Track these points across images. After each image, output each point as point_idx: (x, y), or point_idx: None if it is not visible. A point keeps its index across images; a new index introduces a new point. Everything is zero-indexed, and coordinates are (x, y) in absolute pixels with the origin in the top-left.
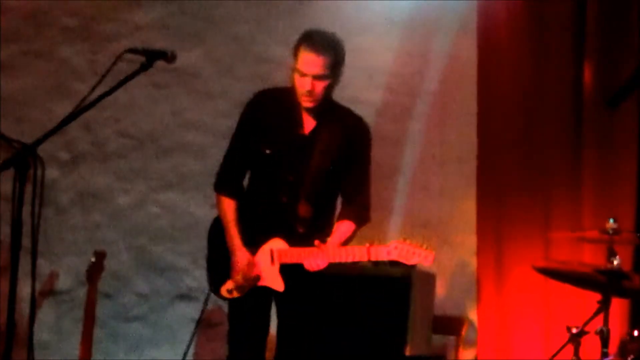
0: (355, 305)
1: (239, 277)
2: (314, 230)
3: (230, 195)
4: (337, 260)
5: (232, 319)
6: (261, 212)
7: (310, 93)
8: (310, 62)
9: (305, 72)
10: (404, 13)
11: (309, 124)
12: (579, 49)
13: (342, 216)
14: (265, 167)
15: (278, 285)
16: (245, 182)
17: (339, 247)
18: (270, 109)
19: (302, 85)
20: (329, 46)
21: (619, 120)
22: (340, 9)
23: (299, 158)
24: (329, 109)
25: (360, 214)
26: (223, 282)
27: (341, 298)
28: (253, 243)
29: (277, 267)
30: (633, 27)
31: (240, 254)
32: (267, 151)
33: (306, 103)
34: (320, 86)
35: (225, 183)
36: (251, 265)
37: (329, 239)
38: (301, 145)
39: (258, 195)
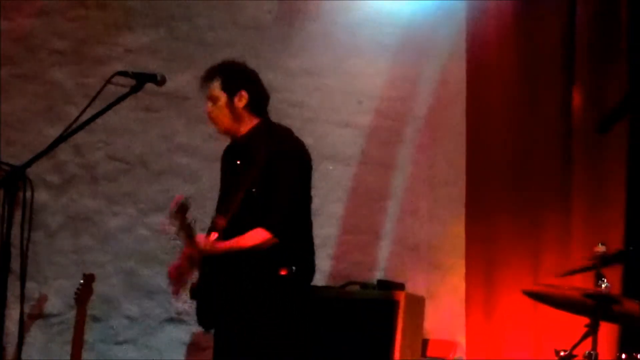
0: (342, 327)
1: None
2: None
3: None
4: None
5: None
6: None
7: (210, 117)
8: (204, 89)
9: (207, 100)
10: (394, 38)
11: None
12: (568, 74)
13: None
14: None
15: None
16: None
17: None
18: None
19: (206, 111)
20: (215, 71)
21: (609, 144)
22: (330, 34)
23: (230, 181)
24: (259, 132)
25: (269, 224)
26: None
27: (328, 320)
28: None
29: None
30: (622, 52)
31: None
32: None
33: (218, 128)
34: (216, 109)
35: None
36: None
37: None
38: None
39: None
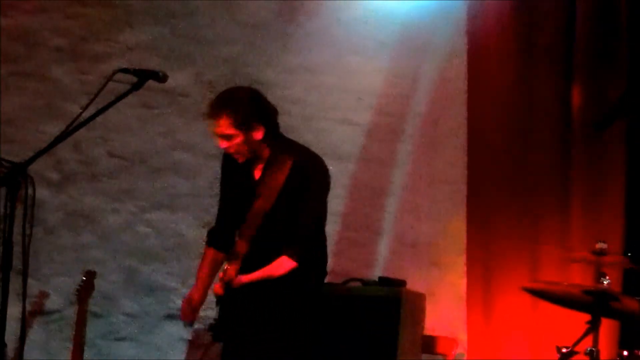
0: (344, 324)
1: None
2: (250, 264)
3: None
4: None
5: None
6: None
7: (229, 151)
8: (213, 125)
9: (216, 135)
10: (394, 35)
11: (257, 171)
12: (567, 71)
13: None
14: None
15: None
16: None
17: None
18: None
19: (221, 146)
20: (225, 106)
21: (608, 142)
22: (330, 31)
23: (246, 203)
24: (278, 153)
25: (294, 249)
26: None
27: (330, 318)
28: None
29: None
30: (622, 49)
31: None
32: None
33: (238, 160)
34: (233, 144)
35: None
36: None
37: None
38: (249, 190)
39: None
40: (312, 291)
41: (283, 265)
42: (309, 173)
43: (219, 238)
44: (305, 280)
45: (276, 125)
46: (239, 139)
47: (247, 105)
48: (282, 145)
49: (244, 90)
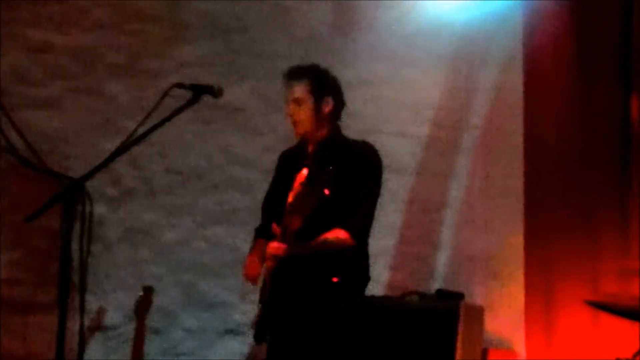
0: (402, 338)
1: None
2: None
3: None
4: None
5: None
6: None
7: (293, 119)
8: (288, 88)
9: (288, 99)
10: (450, 47)
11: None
12: (626, 83)
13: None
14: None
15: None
16: None
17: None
18: (286, 160)
19: (288, 112)
20: (304, 72)
21: None
22: (386, 44)
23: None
24: (333, 145)
25: (352, 226)
26: None
27: (388, 331)
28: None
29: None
30: None
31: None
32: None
33: (296, 132)
34: (302, 112)
35: None
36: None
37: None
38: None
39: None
40: (354, 298)
41: (337, 234)
42: (363, 157)
43: (268, 231)
44: (346, 286)
45: (341, 114)
46: (309, 106)
47: (325, 77)
48: (339, 132)
49: (325, 68)
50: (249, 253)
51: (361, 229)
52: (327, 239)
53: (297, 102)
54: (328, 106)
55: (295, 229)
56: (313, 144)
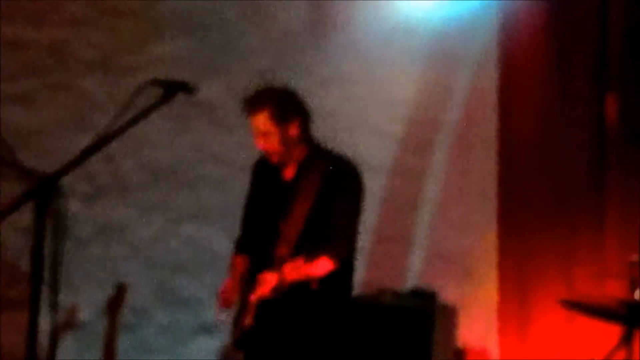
0: (376, 336)
1: None
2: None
3: None
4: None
5: None
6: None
7: (264, 149)
8: (251, 119)
9: (253, 130)
10: (426, 46)
11: (289, 173)
12: (601, 82)
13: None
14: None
15: None
16: None
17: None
18: (261, 169)
19: (257, 145)
20: (262, 101)
21: None
22: (361, 43)
23: (282, 205)
24: (313, 155)
25: (334, 250)
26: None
27: (362, 329)
28: None
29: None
30: None
31: None
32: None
33: (272, 160)
34: (269, 143)
35: None
36: None
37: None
38: (283, 192)
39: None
40: (340, 302)
41: (323, 266)
42: (345, 176)
43: (247, 245)
44: (332, 291)
45: (310, 125)
46: (276, 137)
47: (284, 99)
48: (317, 147)
49: (279, 87)
50: (229, 275)
51: (345, 252)
52: (312, 275)
53: (263, 134)
54: (295, 129)
55: (285, 258)
56: (293, 166)
